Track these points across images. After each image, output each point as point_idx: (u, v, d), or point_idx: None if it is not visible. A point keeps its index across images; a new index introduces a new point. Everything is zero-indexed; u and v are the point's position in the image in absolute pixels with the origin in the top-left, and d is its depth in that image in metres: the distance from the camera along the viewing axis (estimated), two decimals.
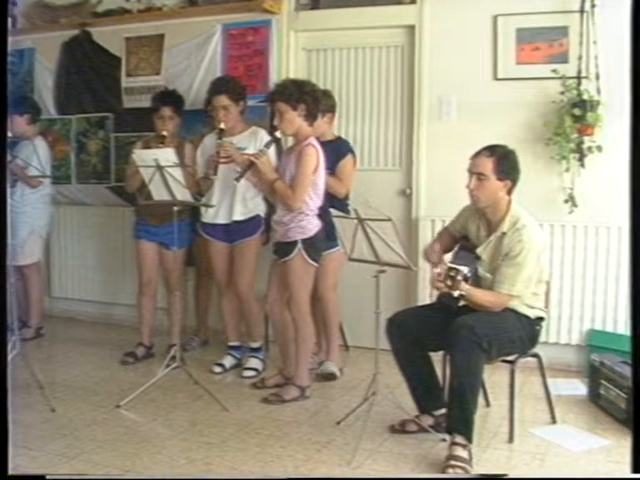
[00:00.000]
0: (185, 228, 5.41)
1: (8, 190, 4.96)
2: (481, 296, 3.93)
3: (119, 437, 4.25)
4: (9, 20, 6.92)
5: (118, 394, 4.87)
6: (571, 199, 5.34)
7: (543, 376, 4.43)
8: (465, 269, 3.75)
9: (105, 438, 4.22)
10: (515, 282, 3.92)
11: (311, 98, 4.77)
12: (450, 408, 3.91)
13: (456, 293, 3.73)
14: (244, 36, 6.29)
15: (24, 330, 6.09)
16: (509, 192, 4.05)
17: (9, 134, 5.97)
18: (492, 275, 4.00)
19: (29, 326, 6.38)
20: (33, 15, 7.21)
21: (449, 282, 3.72)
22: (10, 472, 3.67)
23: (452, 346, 3.86)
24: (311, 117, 4.79)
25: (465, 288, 3.77)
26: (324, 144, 4.91)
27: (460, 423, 3.81)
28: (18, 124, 6.16)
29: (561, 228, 5.42)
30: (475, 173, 4.01)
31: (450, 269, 3.75)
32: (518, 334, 4.04)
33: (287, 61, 6.21)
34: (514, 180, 4.04)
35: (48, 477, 3.53)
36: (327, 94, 5.36)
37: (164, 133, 5.51)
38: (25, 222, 6.19)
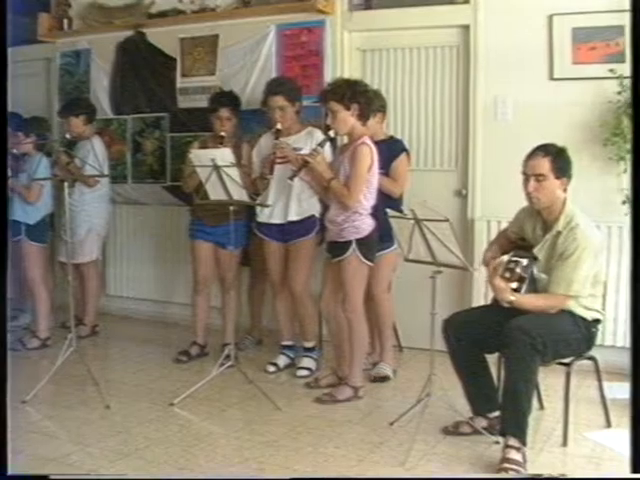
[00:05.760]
0: (242, 228, 5.43)
1: (66, 190, 5.08)
2: (533, 302, 3.88)
3: (173, 435, 4.29)
4: (64, 22, 7.08)
5: (172, 392, 4.92)
6: (629, 200, 5.25)
7: (599, 379, 4.36)
8: (525, 261, 3.71)
9: (159, 436, 4.27)
10: (572, 282, 3.86)
11: (364, 98, 4.78)
12: (504, 410, 3.89)
13: (514, 285, 3.70)
14: (298, 36, 6.30)
15: (80, 328, 6.17)
16: (565, 190, 4.01)
17: (67, 135, 6.11)
18: (547, 276, 3.95)
19: (85, 324, 6.46)
20: (88, 16, 7.29)
21: (507, 274, 3.69)
22: (64, 469, 3.75)
23: (506, 348, 3.83)
24: (364, 117, 4.80)
25: (511, 299, 3.75)
26: (377, 144, 4.88)
27: (514, 425, 3.78)
28: (75, 125, 6.25)
29: (618, 230, 5.32)
30: (533, 175, 3.95)
31: (509, 261, 3.71)
32: (574, 336, 3.98)
33: (342, 61, 6.18)
34: (570, 177, 4.01)
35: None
36: (377, 94, 5.34)
37: (222, 134, 5.53)
38: (84, 221, 6.29)
